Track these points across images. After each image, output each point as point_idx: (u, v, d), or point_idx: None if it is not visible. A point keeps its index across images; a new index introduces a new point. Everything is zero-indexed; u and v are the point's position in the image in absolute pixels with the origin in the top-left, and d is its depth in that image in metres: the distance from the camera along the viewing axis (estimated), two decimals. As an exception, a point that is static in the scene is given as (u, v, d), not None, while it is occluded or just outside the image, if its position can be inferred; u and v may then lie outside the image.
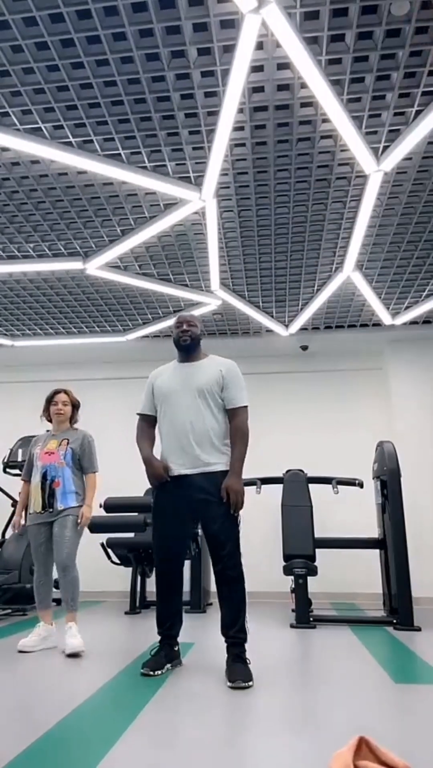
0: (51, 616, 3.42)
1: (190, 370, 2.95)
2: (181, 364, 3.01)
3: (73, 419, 3.67)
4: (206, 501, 2.74)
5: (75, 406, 3.69)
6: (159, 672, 2.65)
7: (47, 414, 3.66)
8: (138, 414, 3.07)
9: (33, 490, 3.47)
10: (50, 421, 3.67)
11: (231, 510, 2.73)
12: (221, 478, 2.76)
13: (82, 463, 3.54)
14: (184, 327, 2.97)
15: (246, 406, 2.89)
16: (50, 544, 3.41)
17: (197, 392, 2.85)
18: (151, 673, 2.63)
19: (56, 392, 3.65)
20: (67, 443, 3.52)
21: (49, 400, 3.65)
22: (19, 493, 3.64)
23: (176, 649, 2.83)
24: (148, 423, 3.03)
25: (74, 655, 3.10)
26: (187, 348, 2.98)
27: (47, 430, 3.68)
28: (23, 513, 3.59)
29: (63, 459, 3.47)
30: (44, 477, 3.44)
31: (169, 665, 2.74)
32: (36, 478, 3.47)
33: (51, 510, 3.39)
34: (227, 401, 2.88)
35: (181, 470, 2.80)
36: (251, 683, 2.45)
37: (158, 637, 2.81)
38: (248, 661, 2.61)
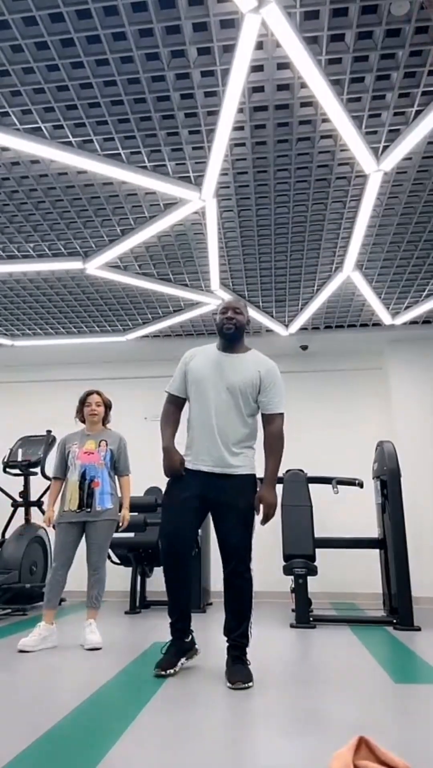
0: (54, 616, 3.42)
1: (227, 360, 2.77)
2: (219, 352, 2.82)
3: (106, 419, 3.74)
4: (224, 504, 2.63)
5: (108, 406, 3.76)
6: (172, 670, 2.59)
7: (81, 415, 3.73)
8: (166, 392, 2.89)
9: (69, 488, 3.50)
10: (83, 422, 3.73)
11: (261, 522, 2.66)
12: (240, 481, 2.66)
13: (118, 465, 3.62)
14: (230, 314, 2.78)
15: (282, 413, 2.74)
16: (76, 546, 3.47)
17: (228, 388, 2.69)
18: (163, 673, 2.57)
19: (89, 393, 3.73)
20: (106, 445, 3.59)
21: (83, 402, 3.72)
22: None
23: (187, 640, 2.72)
24: (175, 405, 2.86)
25: (93, 650, 3.21)
26: (231, 337, 2.79)
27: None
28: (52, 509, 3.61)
29: (103, 460, 3.54)
30: (83, 476, 3.48)
31: (183, 659, 2.68)
32: (74, 477, 3.50)
33: (89, 510, 3.44)
34: (262, 406, 2.72)
35: (200, 466, 2.67)
36: (250, 684, 2.44)
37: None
38: (247, 662, 2.59)
